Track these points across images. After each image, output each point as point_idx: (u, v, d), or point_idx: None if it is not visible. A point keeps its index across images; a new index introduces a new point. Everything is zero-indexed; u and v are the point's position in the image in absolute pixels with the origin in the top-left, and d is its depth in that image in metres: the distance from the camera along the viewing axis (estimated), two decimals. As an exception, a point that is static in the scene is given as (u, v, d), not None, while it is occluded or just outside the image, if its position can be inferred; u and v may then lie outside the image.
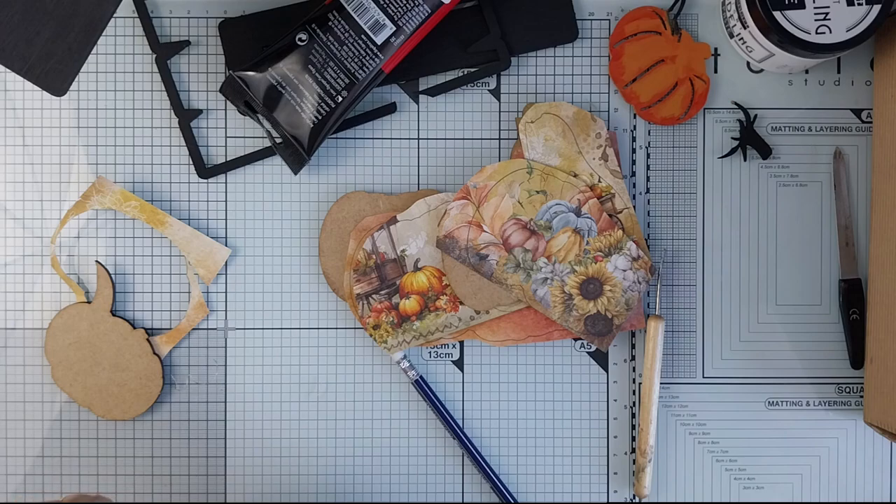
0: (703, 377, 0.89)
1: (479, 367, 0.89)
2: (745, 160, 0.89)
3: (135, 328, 0.88)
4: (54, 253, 0.88)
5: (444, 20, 0.87)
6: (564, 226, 0.87)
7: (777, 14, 0.82)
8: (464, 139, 0.89)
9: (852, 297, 0.88)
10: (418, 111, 0.89)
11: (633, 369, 0.89)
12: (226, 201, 0.89)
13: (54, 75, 0.79)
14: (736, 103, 0.89)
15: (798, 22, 0.82)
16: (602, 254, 0.86)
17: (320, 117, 0.84)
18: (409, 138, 0.89)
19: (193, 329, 0.89)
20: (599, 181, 0.87)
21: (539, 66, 0.89)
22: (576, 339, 0.89)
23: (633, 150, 0.89)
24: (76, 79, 0.87)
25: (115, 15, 0.88)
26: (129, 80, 0.89)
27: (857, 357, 0.89)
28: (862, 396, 0.89)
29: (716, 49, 0.89)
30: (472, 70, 0.89)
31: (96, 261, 0.88)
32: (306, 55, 0.84)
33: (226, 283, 0.89)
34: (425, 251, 0.87)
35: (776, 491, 0.90)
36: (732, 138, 0.89)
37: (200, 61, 0.89)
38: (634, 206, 0.89)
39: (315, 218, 0.89)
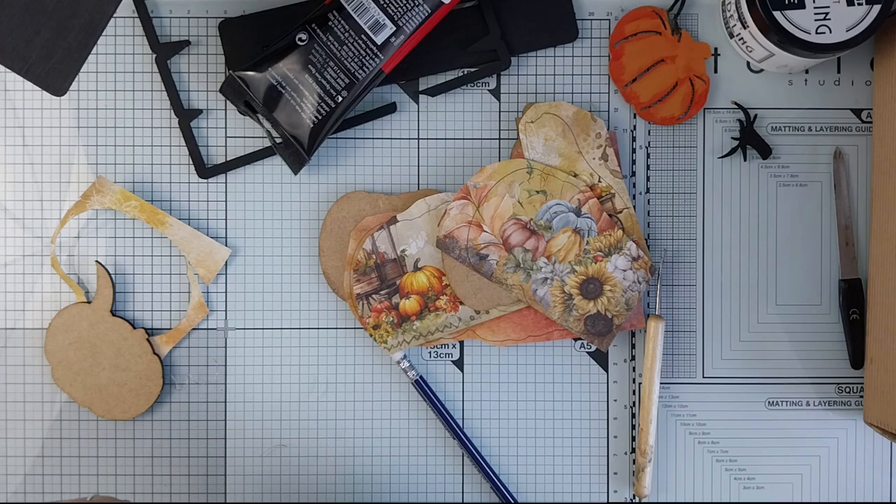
0: (703, 377, 0.89)
1: (479, 367, 0.89)
2: (745, 160, 0.89)
3: (135, 328, 0.88)
4: (54, 253, 0.88)
5: (444, 20, 0.87)
6: (564, 226, 0.87)
7: (777, 14, 0.82)
8: (464, 139, 0.89)
9: (852, 297, 0.88)
10: (418, 111, 0.89)
11: (633, 369, 0.89)
12: (226, 201, 0.89)
13: (54, 75, 0.79)
14: (736, 103, 0.89)
15: (798, 22, 0.82)
16: (602, 254, 0.86)
17: (320, 117, 0.84)
18: (409, 138, 0.89)
19: (193, 329, 0.89)
20: (599, 181, 0.87)
21: (539, 66, 0.89)
22: (576, 339, 0.89)
23: (633, 150, 0.89)
24: (76, 79, 0.87)
25: (115, 15, 0.88)
26: (129, 80, 0.89)
27: (857, 357, 0.89)
28: (862, 396, 0.89)
29: (716, 49, 0.89)
30: (472, 70, 0.89)
31: (96, 261, 0.88)
32: (306, 55, 0.84)
33: (226, 283, 0.89)
34: (425, 251, 0.87)
35: (776, 491, 0.90)
36: (732, 138, 0.89)
37: (200, 61, 0.89)
38: (634, 206, 0.89)
39: (315, 218, 0.89)
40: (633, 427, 0.89)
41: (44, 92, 0.88)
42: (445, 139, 0.89)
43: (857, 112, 0.89)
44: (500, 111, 0.89)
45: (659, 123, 0.88)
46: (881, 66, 0.87)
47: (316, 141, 0.85)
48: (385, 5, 0.83)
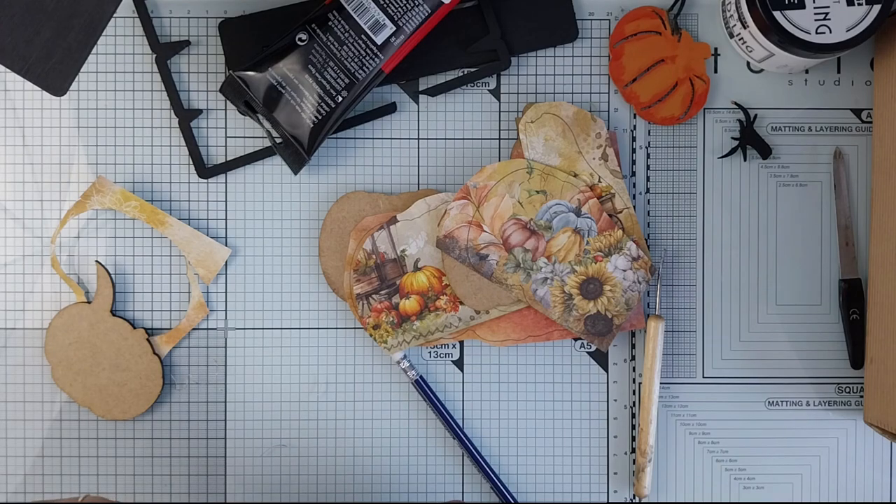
0: (703, 377, 0.89)
1: (479, 367, 0.89)
2: (745, 160, 0.89)
3: (135, 328, 0.88)
4: (54, 253, 0.88)
5: (444, 20, 0.87)
6: (564, 226, 0.87)
7: (777, 14, 0.82)
8: (464, 139, 0.89)
9: (852, 297, 0.88)
10: (418, 111, 0.89)
11: (633, 369, 0.89)
12: (226, 201, 0.89)
13: (54, 75, 0.79)
14: (736, 103, 0.89)
15: (798, 22, 0.82)
16: (602, 254, 0.86)
17: (320, 117, 0.84)
18: (409, 138, 0.89)
19: (193, 329, 0.89)
20: (599, 181, 0.87)
21: (539, 66, 0.89)
22: (576, 339, 0.89)
23: (633, 150, 0.89)
24: (76, 79, 0.87)
25: (115, 15, 0.88)
26: (129, 80, 0.89)
27: (857, 357, 0.89)
28: (862, 396, 0.89)
29: (716, 49, 0.89)
30: (472, 70, 0.89)
31: (96, 261, 0.88)
32: (306, 55, 0.84)
33: (226, 283, 0.89)
34: (425, 251, 0.87)
35: (776, 491, 0.90)
36: (732, 138, 0.89)
37: (200, 61, 0.89)
38: (634, 206, 0.89)
39: (315, 218, 0.89)
40: (633, 427, 0.89)
41: (44, 92, 0.88)
42: (445, 139, 0.89)
43: (857, 112, 0.89)
44: (500, 111, 0.89)
45: (659, 123, 0.88)
46: (881, 66, 0.87)
47: (316, 141, 0.85)
48: (385, 5, 0.83)
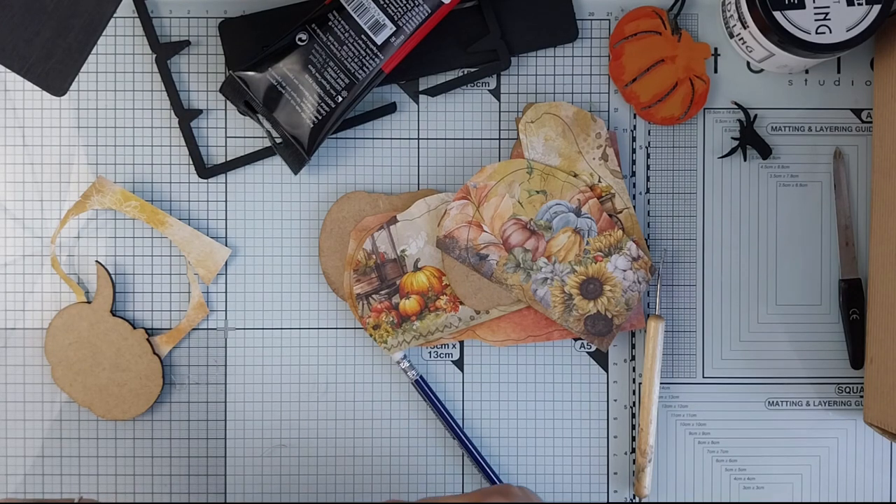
0: (703, 377, 0.89)
1: (479, 367, 0.89)
2: (745, 160, 0.89)
3: (135, 328, 0.88)
4: (54, 253, 0.88)
5: (444, 20, 0.87)
6: (564, 226, 0.87)
7: (777, 14, 0.82)
8: (464, 139, 0.89)
9: (852, 297, 0.88)
10: (418, 111, 0.89)
11: (633, 369, 0.89)
12: (226, 201, 0.89)
13: (54, 75, 0.79)
14: (736, 103, 0.89)
15: (798, 22, 0.82)
16: (602, 254, 0.86)
17: (320, 117, 0.84)
18: (409, 138, 0.89)
19: (193, 329, 0.89)
20: (599, 181, 0.87)
21: (539, 66, 0.89)
22: (576, 339, 0.89)
23: (633, 150, 0.89)
24: (76, 79, 0.87)
25: (115, 15, 0.88)
26: (129, 80, 0.89)
27: (857, 357, 0.89)
28: (862, 396, 0.89)
29: (716, 49, 0.89)
30: (472, 70, 0.89)
31: (96, 261, 0.88)
32: (306, 55, 0.84)
33: (226, 283, 0.89)
34: (425, 251, 0.87)
35: (776, 491, 0.90)
36: (732, 138, 0.89)
37: (200, 61, 0.89)
38: (634, 206, 0.89)
39: (315, 218, 0.89)
40: (633, 427, 0.89)
41: (44, 92, 0.88)
42: (445, 139, 0.89)
43: (857, 112, 0.89)
44: (500, 111, 0.89)
45: (659, 123, 0.88)
46: (881, 66, 0.87)
47: (316, 141, 0.85)
48: (385, 5, 0.83)
